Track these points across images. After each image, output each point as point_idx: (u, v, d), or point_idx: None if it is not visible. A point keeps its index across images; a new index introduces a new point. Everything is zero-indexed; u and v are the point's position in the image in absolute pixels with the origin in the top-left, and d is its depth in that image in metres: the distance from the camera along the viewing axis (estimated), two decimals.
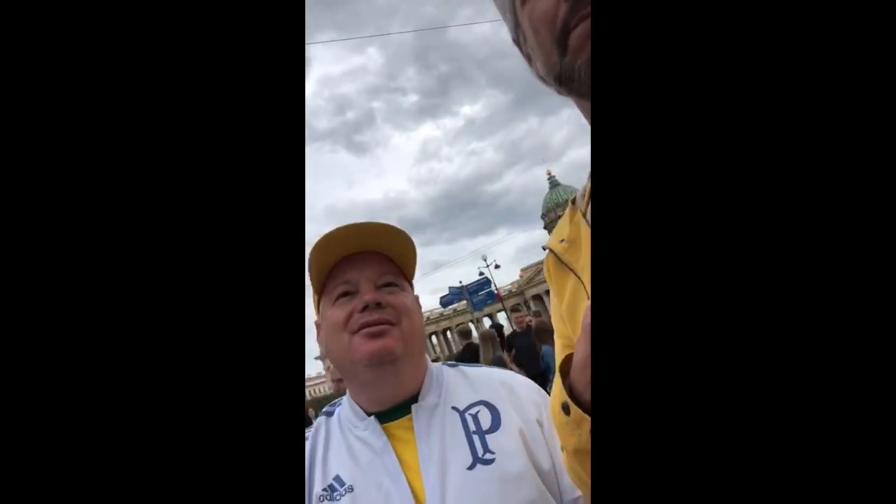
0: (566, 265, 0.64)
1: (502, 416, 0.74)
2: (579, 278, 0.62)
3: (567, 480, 0.74)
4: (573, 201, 0.68)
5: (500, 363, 4.60)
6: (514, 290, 54.87)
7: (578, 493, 0.73)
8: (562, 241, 0.65)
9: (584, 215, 0.64)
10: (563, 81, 0.51)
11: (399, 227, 0.77)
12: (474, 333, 5.97)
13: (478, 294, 17.05)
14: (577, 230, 0.63)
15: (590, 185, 0.65)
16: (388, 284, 0.77)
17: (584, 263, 0.62)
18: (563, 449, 0.58)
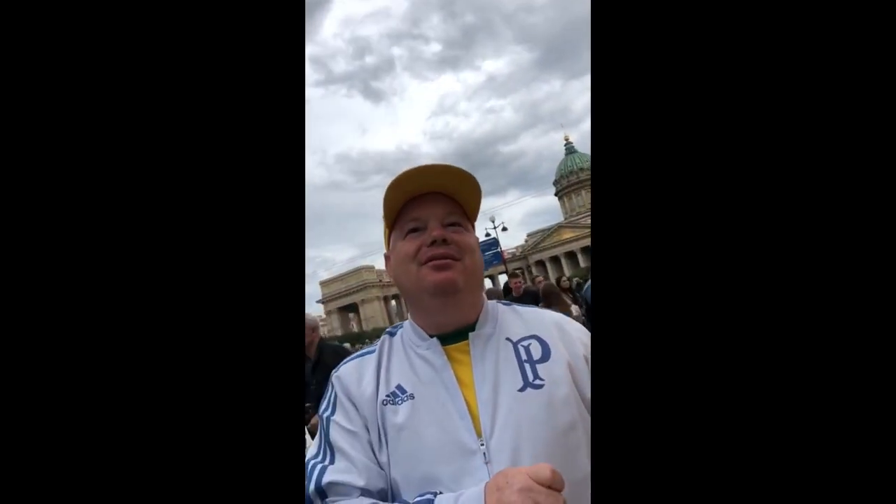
0: None
1: (552, 350, 0.82)
2: None
3: None
4: None
5: None
6: (517, 254, 54.99)
7: None
8: None
9: None
10: None
11: (469, 172, 0.83)
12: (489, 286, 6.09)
13: (484, 254, 17.18)
14: None
15: None
16: (454, 224, 0.84)
17: None
18: None
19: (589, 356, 0.84)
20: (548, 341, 0.83)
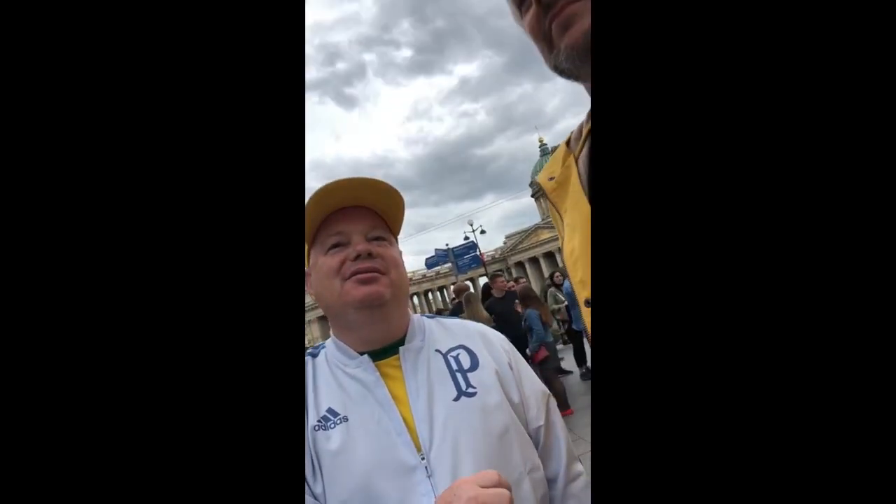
0: (554, 206, 0.67)
1: (479, 358, 0.83)
2: (561, 219, 0.66)
3: (533, 412, 0.85)
4: (567, 142, 0.69)
5: (490, 324, 4.77)
6: (496, 257, 55.33)
7: (542, 422, 0.85)
8: (551, 178, 0.67)
9: (577, 160, 0.65)
10: (560, 72, 0.60)
11: (392, 185, 0.82)
12: (471, 290, 6.11)
13: (463, 258, 17.23)
14: (568, 173, 0.65)
15: (588, 127, 0.66)
16: (378, 238, 0.83)
17: (567, 206, 0.65)
18: None
19: (511, 363, 0.86)
20: (475, 350, 0.85)
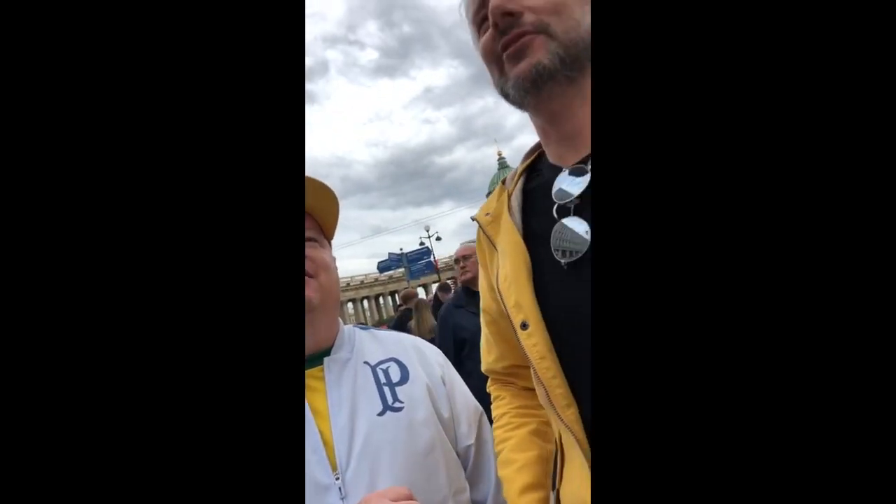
0: (488, 238, 0.71)
1: (411, 372, 0.80)
2: (495, 248, 0.69)
3: (463, 428, 0.82)
4: (504, 181, 0.75)
5: (435, 332, 4.73)
6: (451, 264, 55.71)
7: (472, 440, 0.82)
8: (487, 214, 0.72)
9: (510, 196, 0.70)
10: (505, 96, 0.65)
11: (328, 185, 0.78)
12: (421, 296, 6.04)
13: (417, 263, 17.19)
14: (501, 208, 0.70)
15: (521, 167, 0.73)
16: (309, 239, 0.78)
17: (500, 239, 0.68)
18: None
19: (445, 378, 0.84)
20: (406, 364, 0.81)
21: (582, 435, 0.57)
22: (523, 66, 0.59)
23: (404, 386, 0.77)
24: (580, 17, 0.59)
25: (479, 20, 0.65)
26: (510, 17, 0.59)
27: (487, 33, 0.63)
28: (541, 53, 0.58)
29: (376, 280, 53.49)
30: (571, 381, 0.59)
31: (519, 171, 0.72)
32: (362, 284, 51.84)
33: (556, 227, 0.61)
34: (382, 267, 20.10)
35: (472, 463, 0.81)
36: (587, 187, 0.60)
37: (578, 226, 0.59)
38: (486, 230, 0.71)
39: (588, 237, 0.58)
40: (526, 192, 0.69)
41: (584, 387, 0.57)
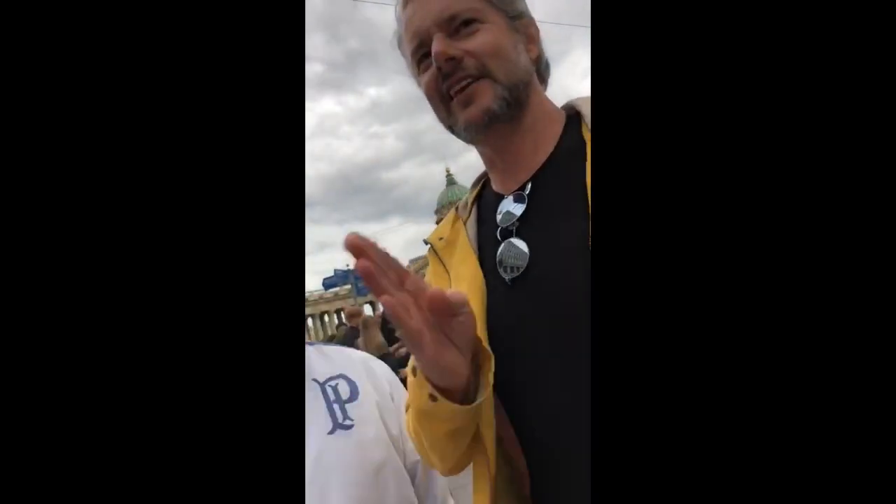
0: (441, 261, 0.73)
1: (360, 389, 0.80)
2: (447, 272, 0.72)
3: (410, 445, 0.83)
4: (457, 208, 0.79)
5: (384, 350, 4.65)
6: None
7: (418, 456, 0.82)
8: (441, 238, 0.75)
9: (465, 224, 0.74)
10: (453, 132, 0.69)
11: None
12: (367, 313, 5.93)
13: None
14: (456, 235, 0.73)
15: (472, 195, 0.77)
16: None
17: (455, 262, 0.71)
18: (407, 408, 0.69)
19: (394, 395, 0.84)
20: (355, 380, 0.81)
21: (493, 455, 0.61)
22: (474, 112, 0.63)
23: (354, 403, 0.77)
24: (516, 58, 0.65)
25: (419, 57, 0.68)
26: (452, 62, 0.62)
27: (430, 73, 0.65)
28: (488, 99, 0.62)
29: (321, 297, 52.06)
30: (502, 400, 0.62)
31: (471, 200, 0.76)
32: (307, 302, 50.33)
33: (504, 244, 0.66)
34: (328, 283, 19.64)
35: (419, 478, 0.82)
36: (525, 211, 0.65)
37: (521, 244, 0.65)
38: (439, 254, 0.74)
39: (528, 252, 0.63)
40: (479, 221, 0.74)
41: (515, 406, 0.62)
